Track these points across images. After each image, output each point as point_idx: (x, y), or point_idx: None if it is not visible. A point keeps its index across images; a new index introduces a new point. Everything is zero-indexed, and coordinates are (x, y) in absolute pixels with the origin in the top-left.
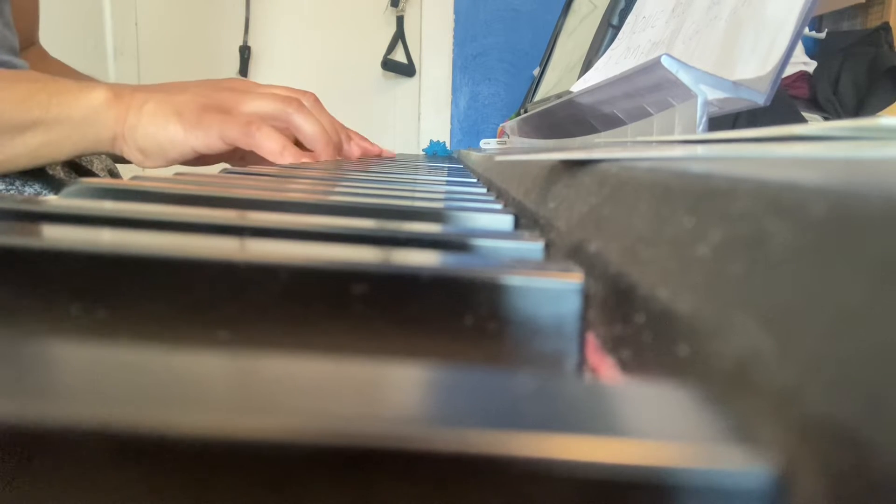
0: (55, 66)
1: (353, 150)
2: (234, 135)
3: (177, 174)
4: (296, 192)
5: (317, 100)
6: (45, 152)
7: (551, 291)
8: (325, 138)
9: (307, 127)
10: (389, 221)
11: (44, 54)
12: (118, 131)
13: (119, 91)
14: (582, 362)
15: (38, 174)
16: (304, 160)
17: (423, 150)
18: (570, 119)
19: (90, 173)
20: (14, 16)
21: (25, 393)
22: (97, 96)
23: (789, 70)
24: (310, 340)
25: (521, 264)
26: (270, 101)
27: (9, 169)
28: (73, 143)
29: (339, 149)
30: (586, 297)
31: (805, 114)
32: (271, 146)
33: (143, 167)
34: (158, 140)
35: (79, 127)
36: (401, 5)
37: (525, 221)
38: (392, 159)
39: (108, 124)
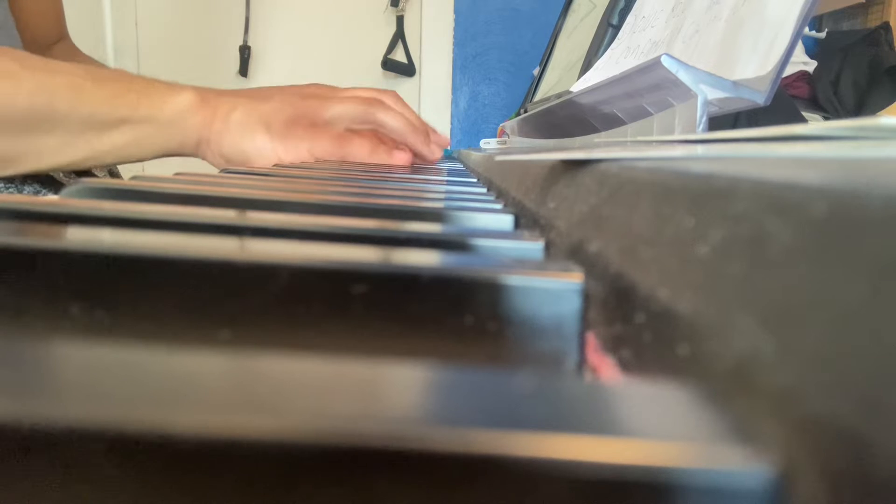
0: (87, 62)
1: (436, 138)
2: (324, 150)
3: (176, 174)
4: (296, 192)
5: (398, 97)
6: (131, 152)
7: (551, 291)
8: (412, 128)
9: (392, 122)
10: (389, 221)
11: (74, 50)
12: (203, 136)
13: (205, 95)
14: (582, 362)
15: (37, 174)
16: (399, 158)
17: None
18: (570, 119)
19: (90, 173)
20: (37, 11)
21: (25, 393)
22: (184, 99)
23: (789, 70)
24: (310, 340)
25: (521, 264)
26: (353, 104)
27: (93, 166)
28: (158, 144)
29: (427, 138)
30: (586, 297)
31: (805, 114)
32: (362, 154)
33: None
34: (244, 149)
35: (165, 128)
36: (401, 5)
37: (525, 221)
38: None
39: (195, 128)
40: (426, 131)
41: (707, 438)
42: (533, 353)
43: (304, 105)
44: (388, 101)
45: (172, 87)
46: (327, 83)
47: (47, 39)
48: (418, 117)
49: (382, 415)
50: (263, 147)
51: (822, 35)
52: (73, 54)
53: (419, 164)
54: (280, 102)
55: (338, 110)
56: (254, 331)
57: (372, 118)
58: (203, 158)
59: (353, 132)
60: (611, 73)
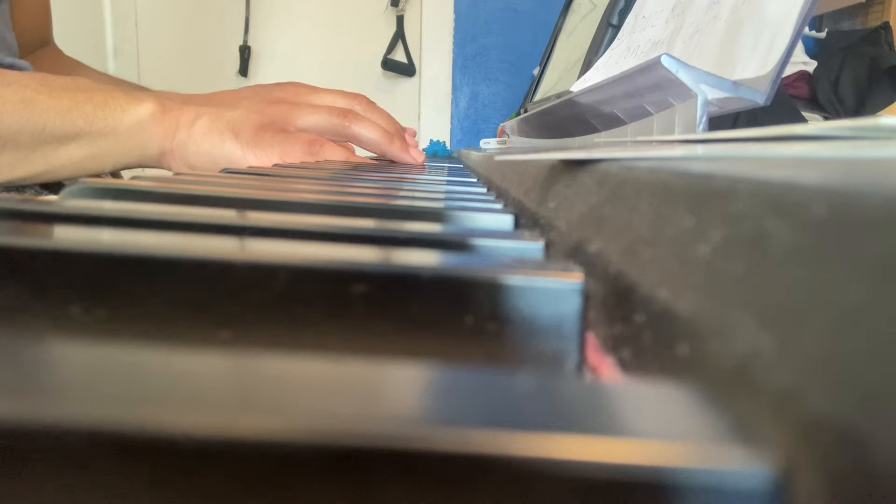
0: (69, 65)
1: (411, 140)
2: (298, 157)
3: (176, 174)
4: (296, 192)
5: (369, 102)
6: (89, 165)
7: (551, 291)
8: (387, 138)
9: (366, 134)
10: (389, 221)
11: (58, 54)
12: (166, 147)
13: (167, 105)
14: (582, 362)
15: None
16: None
17: (423, 149)
18: (570, 119)
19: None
20: (24, 15)
21: (25, 393)
22: (143, 110)
23: (789, 70)
24: (310, 340)
25: (522, 264)
26: (325, 115)
27: (51, 179)
28: (117, 157)
29: (405, 143)
30: (586, 297)
31: (805, 114)
32: (337, 160)
33: None
34: (213, 158)
35: (124, 141)
36: (401, 5)
37: (525, 221)
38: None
39: (155, 139)
40: (402, 135)
41: (707, 438)
42: (533, 353)
43: (271, 111)
44: (360, 108)
45: (132, 97)
46: (327, 84)
47: (34, 43)
48: (390, 120)
49: (383, 415)
50: (233, 154)
51: (822, 35)
52: (59, 59)
53: (414, 165)
54: (246, 110)
55: (310, 121)
56: (254, 331)
57: (346, 132)
58: (168, 169)
59: (325, 140)
60: (611, 73)
